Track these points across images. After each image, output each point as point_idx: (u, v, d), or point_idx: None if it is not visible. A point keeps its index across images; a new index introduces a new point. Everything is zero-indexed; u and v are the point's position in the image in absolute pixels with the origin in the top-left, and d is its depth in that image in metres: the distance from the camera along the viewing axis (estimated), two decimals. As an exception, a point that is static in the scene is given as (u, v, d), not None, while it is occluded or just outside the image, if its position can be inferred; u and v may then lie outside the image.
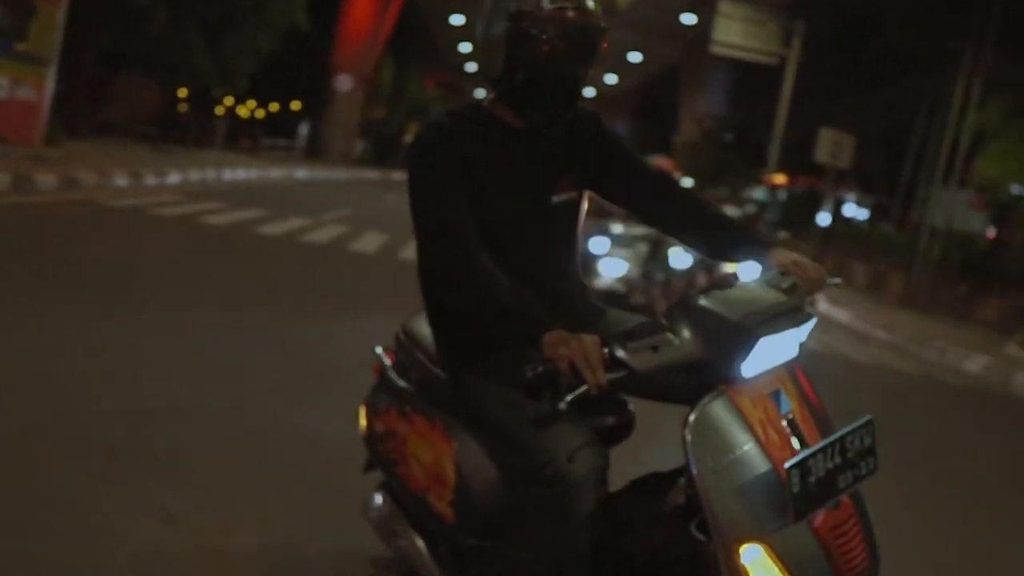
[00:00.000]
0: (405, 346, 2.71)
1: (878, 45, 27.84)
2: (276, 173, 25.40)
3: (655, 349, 1.95)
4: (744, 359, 1.96)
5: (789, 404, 2.05)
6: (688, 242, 2.56)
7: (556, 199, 2.44)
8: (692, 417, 1.94)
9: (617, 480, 2.33)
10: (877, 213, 34.54)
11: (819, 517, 1.95)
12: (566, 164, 2.46)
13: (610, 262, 8.90)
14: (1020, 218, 21.81)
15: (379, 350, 2.87)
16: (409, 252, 13.35)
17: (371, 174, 36.65)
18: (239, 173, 21.91)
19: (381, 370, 2.82)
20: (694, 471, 1.92)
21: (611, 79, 56.15)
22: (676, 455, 2.02)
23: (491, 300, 2.10)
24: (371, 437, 2.81)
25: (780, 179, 34.12)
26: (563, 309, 2.28)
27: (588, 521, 2.14)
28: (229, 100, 32.79)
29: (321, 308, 8.30)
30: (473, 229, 2.23)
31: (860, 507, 2.07)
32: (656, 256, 8.97)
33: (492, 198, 2.32)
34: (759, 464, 1.93)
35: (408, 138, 45.92)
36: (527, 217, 2.39)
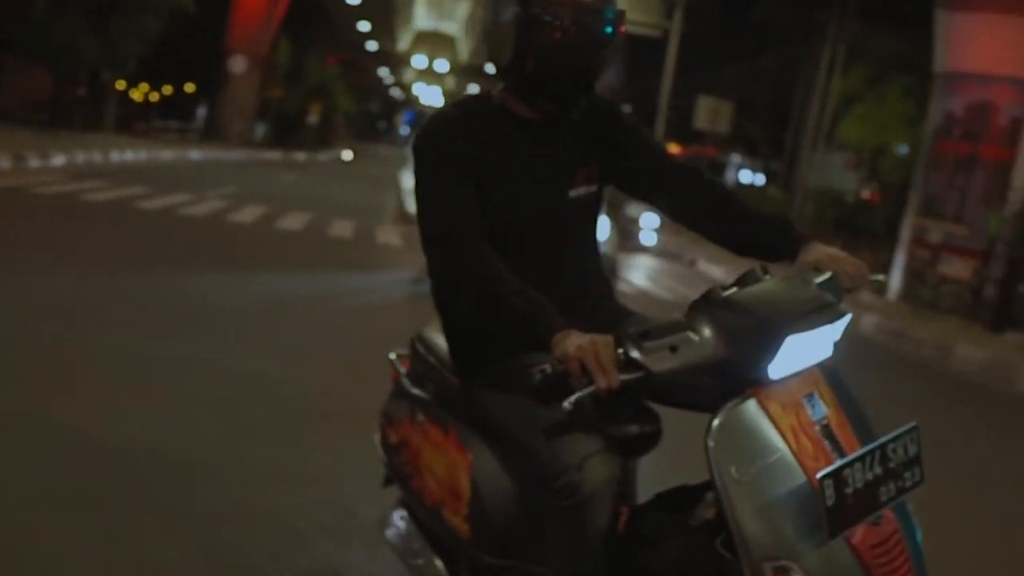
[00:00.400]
0: (420, 353, 2.60)
1: (758, 15, 28.97)
2: (167, 155, 25.41)
3: (673, 349, 1.82)
4: (771, 359, 1.82)
5: (823, 409, 1.90)
6: (715, 238, 2.38)
7: (573, 193, 2.31)
8: (716, 422, 1.81)
9: (646, 493, 2.31)
10: (770, 177, 35.93)
11: (858, 533, 1.79)
12: (583, 156, 2.33)
13: None
14: (884, 178, 23.09)
15: (393, 356, 2.75)
16: (287, 222, 13.90)
17: (272, 155, 36.51)
18: (128, 155, 21.95)
19: (396, 378, 2.71)
20: (717, 482, 1.78)
21: (512, 55, 56.61)
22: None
23: (498, 301, 1.99)
24: (387, 449, 2.72)
25: (673, 148, 35.26)
26: (583, 311, 2.17)
27: (604, 533, 2.06)
28: (121, 84, 32.44)
29: (186, 267, 8.89)
30: (480, 228, 2.12)
31: (905, 522, 1.90)
32: None
33: (504, 194, 2.21)
34: (790, 474, 1.79)
35: (311, 118, 45.34)
36: (542, 213, 2.27)
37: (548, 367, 1.84)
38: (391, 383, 2.71)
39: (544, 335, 1.90)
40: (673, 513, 2.10)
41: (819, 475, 1.72)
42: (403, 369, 2.68)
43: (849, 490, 1.74)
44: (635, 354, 1.81)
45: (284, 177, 25.63)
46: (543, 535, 2.11)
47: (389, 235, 14.28)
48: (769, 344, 1.81)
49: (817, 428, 1.87)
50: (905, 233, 15.47)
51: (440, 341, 2.48)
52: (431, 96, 77.43)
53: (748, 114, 30.28)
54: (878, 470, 1.80)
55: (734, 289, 1.94)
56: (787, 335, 1.81)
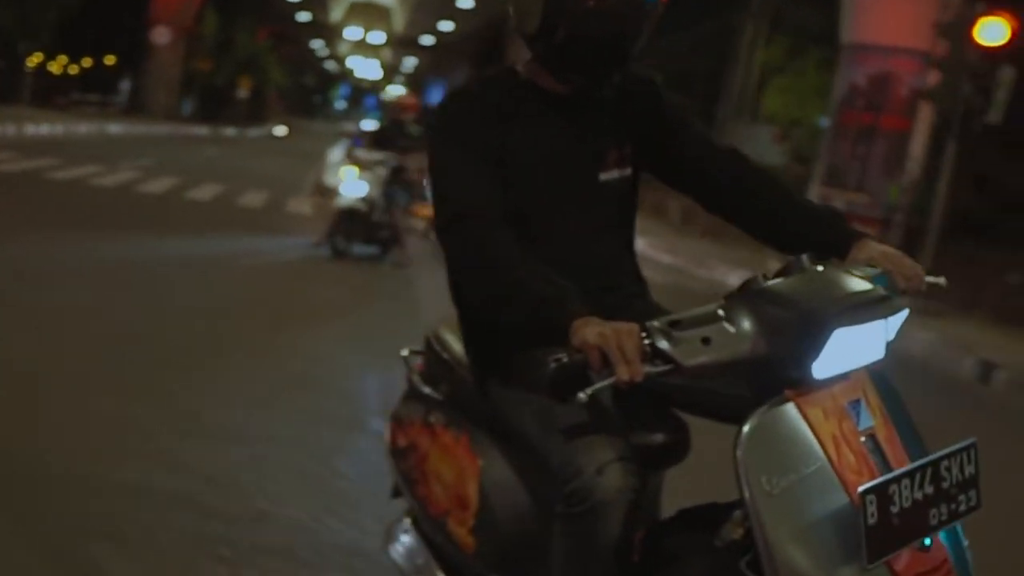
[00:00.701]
0: (435, 350, 2.47)
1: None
2: (85, 128, 25.04)
3: (706, 342, 1.64)
4: (816, 355, 1.63)
5: (870, 418, 1.73)
6: (756, 231, 2.20)
7: (604, 176, 2.13)
8: (747, 427, 1.63)
9: (670, 510, 2.14)
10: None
11: (902, 559, 1.62)
12: (617, 136, 2.15)
13: (352, 183, 9.66)
14: (803, 151, 23.57)
15: (405, 352, 2.62)
16: (198, 192, 13.88)
17: (199, 130, 35.91)
18: (43, 128, 21.63)
19: (409, 378, 2.58)
20: (746, 493, 1.60)
21: (447, 26, 56.47)
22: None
23: (513, 284, 1.83)
24: (395, 454, 2.58)
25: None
26: (612, 306, 1.96)
27: (616, 547, 1.89)
28: (38, 57, 31.74)
29: (85, 231, 9.08)
30: (497, 213, 1.95)
31: (957, 551, 1.72)
32: (396, 180, 9.83)
33: (529, 176, 2.06)
34: (829, 489, 1.62)
35: (241, 92, 44.58)
36: (570, 198, 2.11)
37: (564, 356, 1.66)
38: (403, 383, 2.59)
39: (562, 321, 1.72)
40: (697, 532, 1.90)
41: (860, 489, 1.56)
42: (416, 370, 2.54)
43: (895, 509, 1.57)
44: (663, 345, 1.63)
45: (206, 151, 25.33)
46: (552, 548, 1.95)
47: (301, 205, 14.29)
48: (814, 338, 1.63)
49: (862, 439, 1.69)
50: (812, 202, 15.87)
51: (455, 339, 2.35)
52: (367, 69, 76.71)
53: (681, 87, 30.58)
54: (929, 489, 1.62)
55: (777, 279, 1.75)
56: (835, 328, 1.62)
